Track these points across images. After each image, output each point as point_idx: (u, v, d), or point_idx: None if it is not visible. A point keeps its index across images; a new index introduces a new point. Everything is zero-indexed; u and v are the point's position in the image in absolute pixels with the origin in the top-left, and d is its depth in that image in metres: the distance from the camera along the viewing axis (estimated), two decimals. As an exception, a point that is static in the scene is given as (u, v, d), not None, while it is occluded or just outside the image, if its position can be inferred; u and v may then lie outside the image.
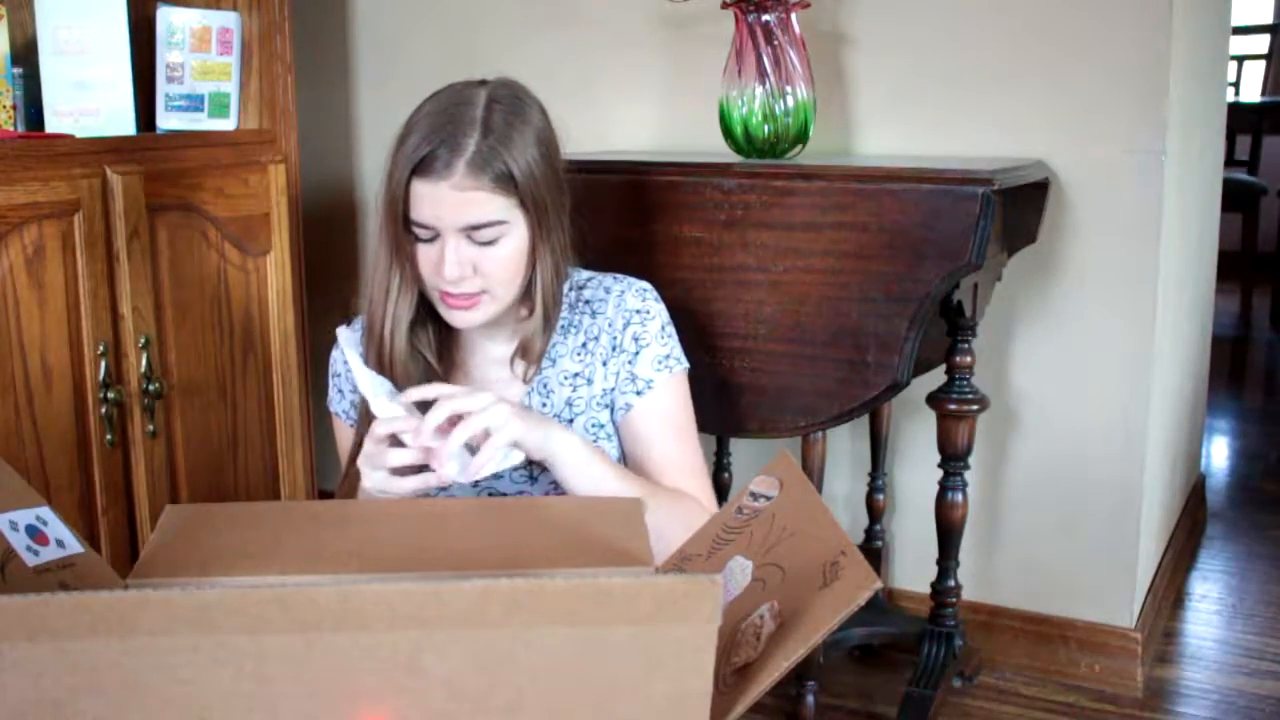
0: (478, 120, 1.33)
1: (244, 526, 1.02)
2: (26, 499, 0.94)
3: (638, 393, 1.44)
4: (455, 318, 1.39)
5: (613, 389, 1.45)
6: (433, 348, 1.45)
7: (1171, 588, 2.40)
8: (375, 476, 1.27)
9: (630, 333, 1.44)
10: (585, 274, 1.51)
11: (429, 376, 1.42)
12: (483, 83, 1.39)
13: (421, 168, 1.32)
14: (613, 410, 1.45)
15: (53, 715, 0.74)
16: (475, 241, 1.34)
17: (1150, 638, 2.16)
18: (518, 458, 1.29)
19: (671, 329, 1.48)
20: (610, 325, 1.45)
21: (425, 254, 1.37)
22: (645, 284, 1.49)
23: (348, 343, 1.37)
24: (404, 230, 1.36)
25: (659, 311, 1.47)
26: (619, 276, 1.50)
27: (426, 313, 1.44)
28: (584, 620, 0.74)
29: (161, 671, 0.73)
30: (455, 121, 1.33)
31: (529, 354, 1.44)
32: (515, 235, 1.36)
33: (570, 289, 1.48)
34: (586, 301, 1.48)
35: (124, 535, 1.86)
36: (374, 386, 1.31)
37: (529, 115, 1.38)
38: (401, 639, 0.74)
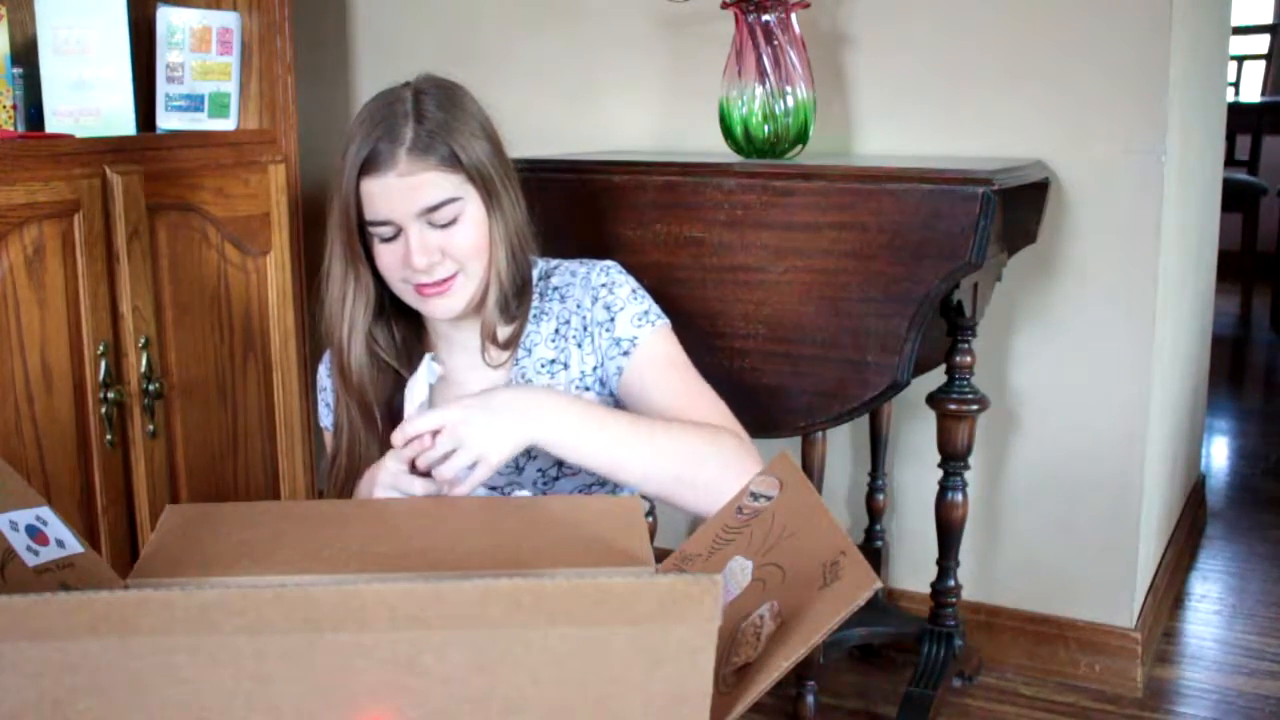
0: (410, 112, 1.36)
1: (244, 526, 1.02)
2: (26, 499, 0.93)
3: (625, 353, 1.43)
4: (435, 307, 1.39)
5: (596, 367, 1.44)
6: (397, 350, 1.45)
7: (1171, 588, 2.40)
8: (392, 473, 1.27)
9: (601, 304, 1.44)
10: (553, 262, 1.52)
11: (391, 380, 1.43)
12: (407, 84, 1.42)
13: (366, 166, 1.34)
14: (605, 383, 1.45)
15: (53, 715, 0.74)
16: (436, 225, 1.36)
17: (1150, 638, 2.16)
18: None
19: (643, 292, 1.47)
20: (580, 306, 1.45)
21: (390, 253, 1.37)
22: (609, 261, 1.49)
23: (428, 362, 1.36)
24: (359, 236, 1.38)
25: (625, 280, 1.47)
26: (584, 260, 1.51)
27: (388, 315, 1.45)
28: (584, 620, 0.74)
29: (161, 671, 0.73)
30: (389, 118, 1.36)
31: (494, 339, 1.44)
32: (473, 212, 1.38)
33: (539, 278, 1.49)
34: (555, 288, 1.48)
35: (124, 535, 1.86)
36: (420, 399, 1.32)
37: (461, 100, 1.41)
38: (401, 639, 0.74)
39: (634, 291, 1.46)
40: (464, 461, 1.22)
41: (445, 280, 1.38)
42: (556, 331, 1.46)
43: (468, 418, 1.22)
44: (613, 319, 1.43)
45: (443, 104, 1.38)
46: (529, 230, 1.45)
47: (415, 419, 1.24)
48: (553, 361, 1.45)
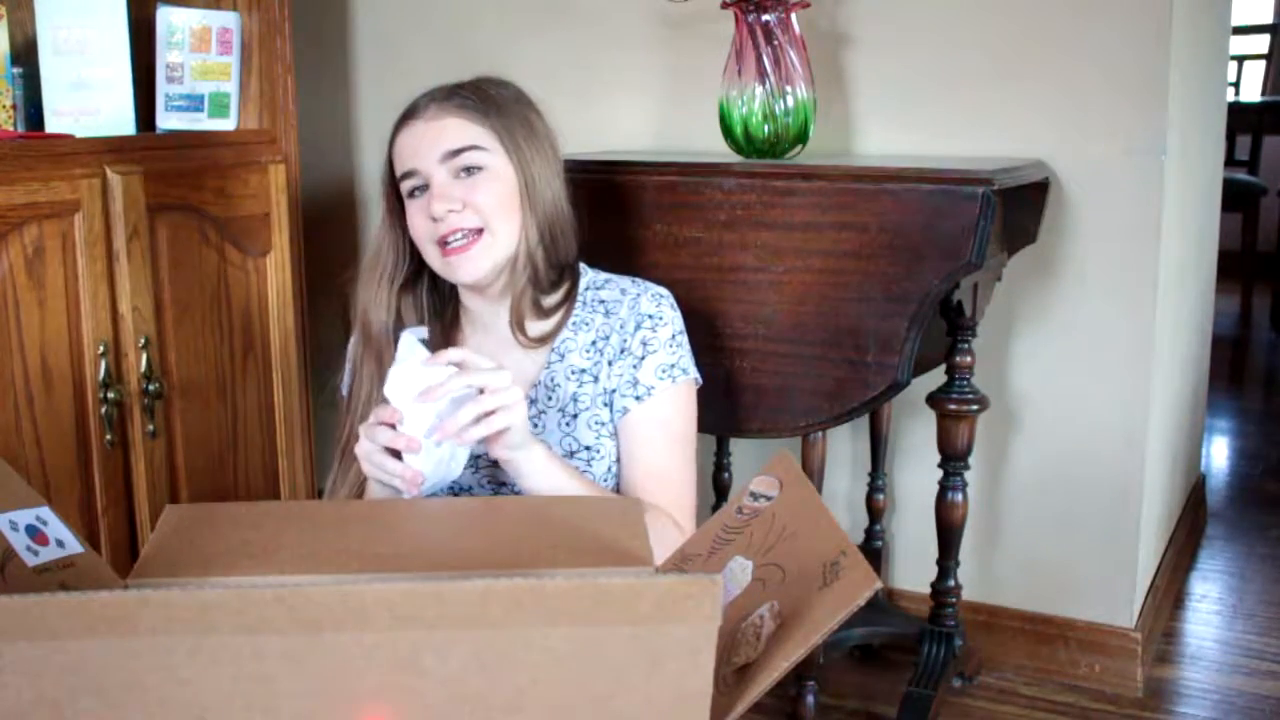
0: (454, 83, 1.44)
1: (244, 526, 1.02)
2: (26, 499, 0.94)
3: (637, 398, 1.43)
4: (460, 269, 1.39)
5: (615, 390, 1.45)
6: (428, 320, 1.47)
7: (1171, 588, 2.40)
8: (365, 447, 1.25)
9: (640, 337, 1.44)
10: (603, 275, 1.52)
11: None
12: None
13: (401, 121, 1.41)
14: (611, 410, 1.45)
15: (53, 715, 0.74)
16: (459, 174, 1.38)
17: (1150, 638, 2.16)
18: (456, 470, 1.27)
19: (683, 338, 1.47)
20: (622, 327, 1.45)
21: (418, 209, 1.40)
22: (663, 290, 1.50)
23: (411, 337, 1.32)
24: (394, 195, 1.43)
25: (673, 319, 1.47)
26: (637, 280, 1.51)
27: (425, 311, 1.46)
28: (584, 620, 0.74)
29: (161, 671, 0.73)
30: (434, 88, 1.44)
31: (521, 322, 1.44)
32: (498, 167, 1.39)
33: (587, 288, 1.49)
34: (601, 301, 1.48)
35: (124, 535, 1.86)
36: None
37: (508, 84, 1.47)
38: (401, 639, 0.74)
39: (674, 336, 1.46)
40: (502, 424, 1.23)
41: (469, 238, 1.38)
42: (593, 344, 1.46)
43: (520, 399, 1.24)
44: (643, 358, 1.44)
45: (486, 82, 1.45)
46: (571, 225, 1.46)
47: (479, 363, 1.23)
48: (583, 372, 1.45)
